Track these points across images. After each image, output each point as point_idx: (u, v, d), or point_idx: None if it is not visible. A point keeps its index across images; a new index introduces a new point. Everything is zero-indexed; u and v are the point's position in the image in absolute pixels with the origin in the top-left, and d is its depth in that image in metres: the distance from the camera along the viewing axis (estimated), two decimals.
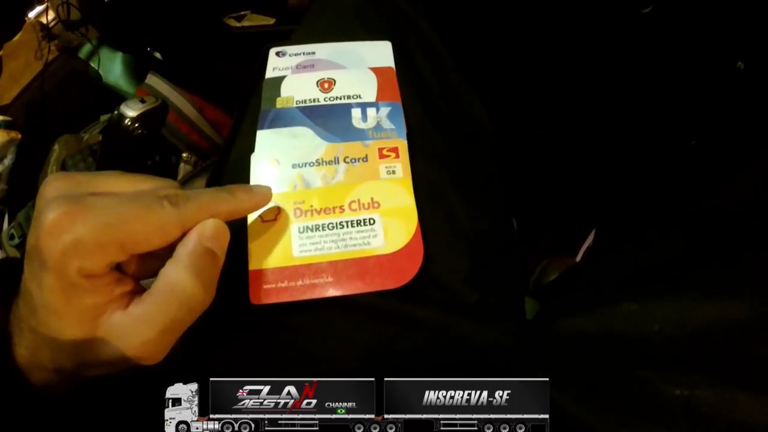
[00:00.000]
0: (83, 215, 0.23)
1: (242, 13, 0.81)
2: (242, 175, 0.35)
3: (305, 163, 0.34)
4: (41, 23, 0.95)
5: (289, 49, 0.41)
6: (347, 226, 0.32)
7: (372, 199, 0.33)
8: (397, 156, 0.34)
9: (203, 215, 0.26)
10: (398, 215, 0.32)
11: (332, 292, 0.30)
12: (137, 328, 0.24)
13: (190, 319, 0.25)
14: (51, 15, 0.94)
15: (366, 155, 0.34)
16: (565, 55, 0.80)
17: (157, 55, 0.92)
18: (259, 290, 0.30)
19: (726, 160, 0.46)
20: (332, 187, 0.33)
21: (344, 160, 0.34)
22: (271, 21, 0.82)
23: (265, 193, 0.30)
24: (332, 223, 0.32)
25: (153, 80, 0.82)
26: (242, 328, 0.31)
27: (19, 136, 0.86)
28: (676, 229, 0.39)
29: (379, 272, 0.31)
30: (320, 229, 0.32)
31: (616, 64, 0.77)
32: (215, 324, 0.32)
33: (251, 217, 0.32)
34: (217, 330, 0.31)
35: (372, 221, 0.32)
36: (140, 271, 0.27)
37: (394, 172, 0.34)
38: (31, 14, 0.97)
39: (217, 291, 0.27)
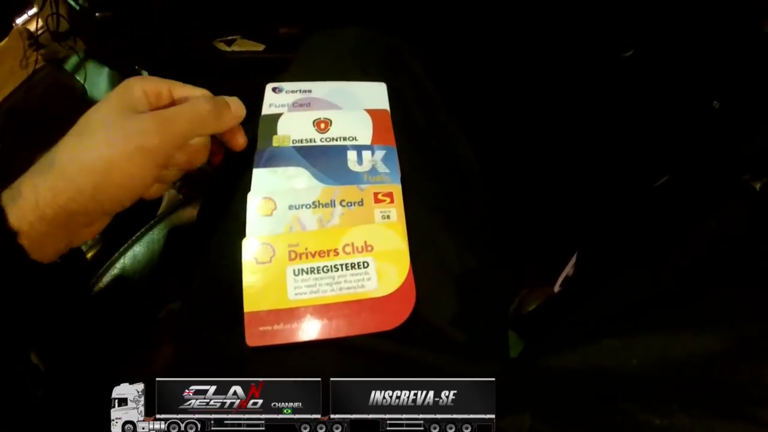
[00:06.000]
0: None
1: (232, 37, 0.81)
2: (239, 213, 0.35)
3: (302, 205, 0.34)
4: (29, 31, 0.93)
5: (286, 85, 0.42)
6: (342, 269, 0.33)
7: (366, 242, 0.33)
8: (392, 201, 0.35)
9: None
10: (391, 259, 0.33)
11: (327, 334, 0.31)
12: (155, 123, 0.31)
13: (190, 135, 0.34)
14: (39, 23, 0.93)
15: (362, 199, 0.35)
16: (548, 94, 0.82)
17: (145, 73, 0.91)
18: (255, 332, 0.31)
19: (700, 199, 0.48)
20: (327, 230, 0.34)
21: (340, 204, 0.35)
22: (261, 47, 0.82)
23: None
24: (327, 266, 0.33)
25: None
26: (237, 368, 0.32)
27: None
28: (652, 267, 0.41)
29: (372, 315, 0.32)
30: (315, 271, 0.32)
31: (597, 104, 0.80)
32: (211, 363, 0.32)
33: (246, 260, 0.33)
34: (213, 369, 0.32)
35: (366, 264, 0.33)
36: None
37: (388, 216, 0.34)
38: (19, 21, 0.95)
39: (210, 333, 0.27)
